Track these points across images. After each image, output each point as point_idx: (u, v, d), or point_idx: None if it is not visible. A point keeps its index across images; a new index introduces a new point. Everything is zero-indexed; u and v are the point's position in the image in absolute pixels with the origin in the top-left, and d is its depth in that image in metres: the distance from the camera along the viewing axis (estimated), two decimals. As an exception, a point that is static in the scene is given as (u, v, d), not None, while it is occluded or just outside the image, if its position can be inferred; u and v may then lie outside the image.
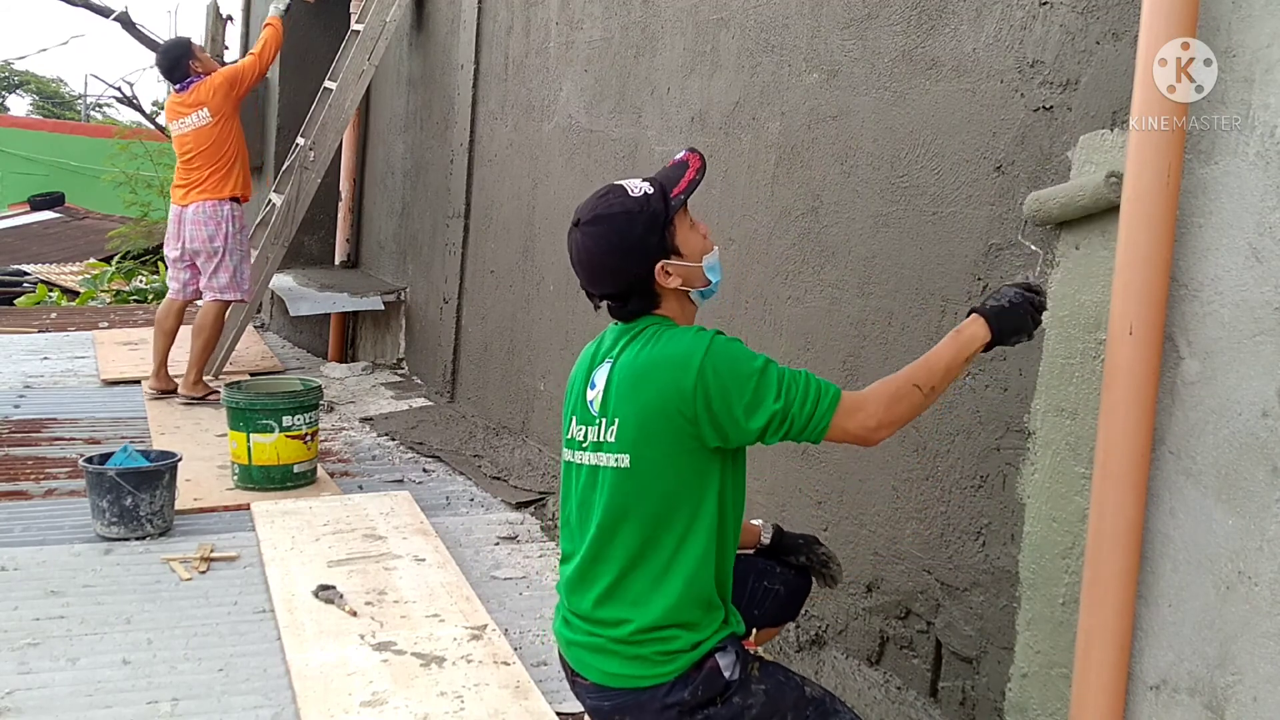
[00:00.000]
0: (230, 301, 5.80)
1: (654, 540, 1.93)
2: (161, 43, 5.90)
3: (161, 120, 17.51)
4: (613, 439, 1.95)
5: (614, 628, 1.95)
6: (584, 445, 2.01)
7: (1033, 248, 2.25)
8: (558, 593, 2.14)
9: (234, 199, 5.70)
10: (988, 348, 2.01)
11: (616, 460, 1.94)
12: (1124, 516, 1.91)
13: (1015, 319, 2.00)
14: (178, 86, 5.72)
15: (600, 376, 2.00)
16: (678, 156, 2.06)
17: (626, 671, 1.94)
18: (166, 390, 5.73)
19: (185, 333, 5.88)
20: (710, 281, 2.04)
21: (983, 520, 2.45)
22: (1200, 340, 1.86)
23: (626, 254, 1.97)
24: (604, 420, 1.97)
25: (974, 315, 2.02)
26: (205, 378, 5.88)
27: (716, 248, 2.08)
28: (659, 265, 1.98)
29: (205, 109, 5.64)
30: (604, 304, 2.06)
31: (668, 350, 1.92)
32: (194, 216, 5.63)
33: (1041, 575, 2.26)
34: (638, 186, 1.99)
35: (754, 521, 2.41)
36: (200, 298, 5.83)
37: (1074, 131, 2.21)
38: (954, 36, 2.55)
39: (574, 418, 2.06)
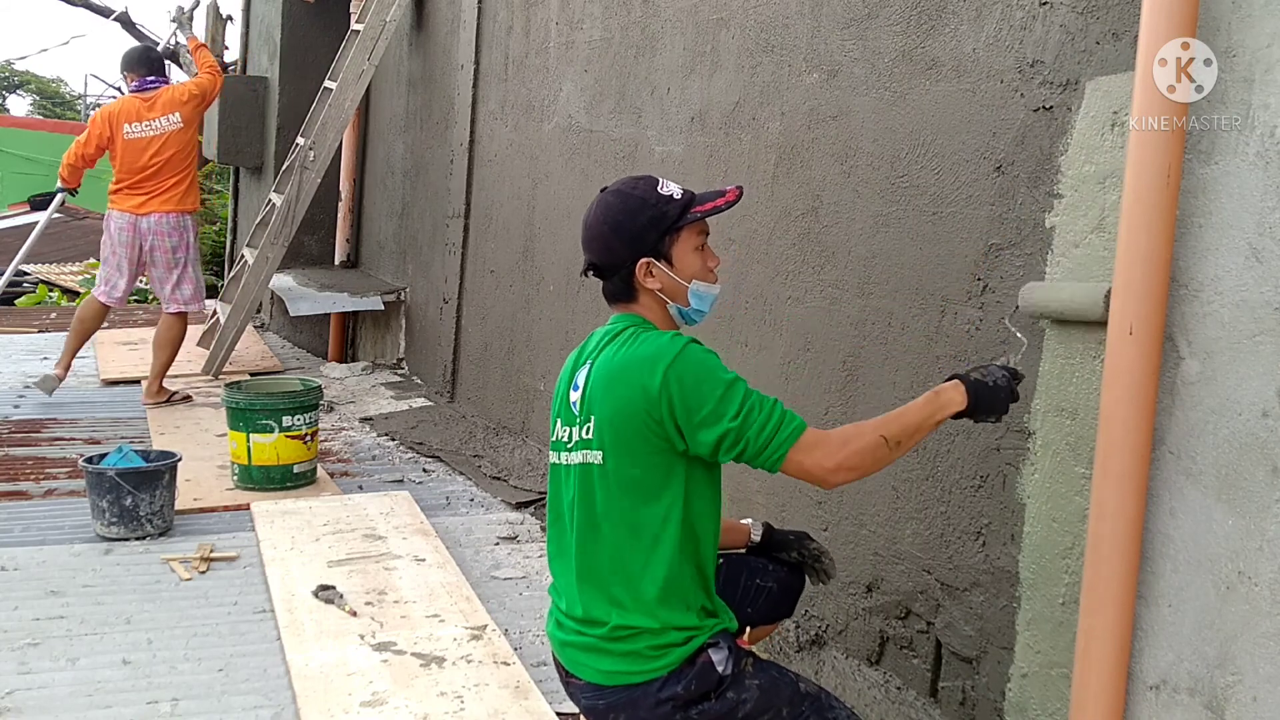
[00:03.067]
0: (190, 312, 5.69)
1: (631, 538, 1.95)
2: (140, 43, 5.85)
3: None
4: (589, 436, 1.98)
5: (603, 626, 1.96)
6: (568, 446, 2.04)
7: (1019, 336, 2.24)
8: (549, 595, 2.15)
9: (192, 215, 5.65)
10: (957, 416, 2.01)
11: (595, 457, 1.97)
12: (1124, 516, 1.91)
13: (993, 399, 2.01)
14: (139, 85, 5.60)
15: (582, 378, 2.04)
16: (727, 187, 2.10)
17: (620, 669, 1.95)
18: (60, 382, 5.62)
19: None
20: (691, 305, 2.06)
21: (983, 520, 2.45)
22: (1200, 340, 1.86)
23: (621, 235, 2.02)
24: (582, 419, 2.00)
25: (955, 381, 2.02)
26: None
27: (718, 285, 2.10)
28: (644, 261, 2.01)
29: (178, 114, 5.54)
30: (589, 272, 2.09)
31: (641, 351, 1.95)
32: (156, 227, 5.51)
33: (1041, 575, 2.26)
34: (669, 187, 2.05)
35: (744, 520, 2.43)
36: (112, 306, 5.70)
37: (1074, 131, 2.21)
38: (954, 36, 2.55)
39: (559, 420, 2.09)
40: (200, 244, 5.96)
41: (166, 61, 5.87)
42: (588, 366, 2.03)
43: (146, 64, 5.67)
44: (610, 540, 1.96)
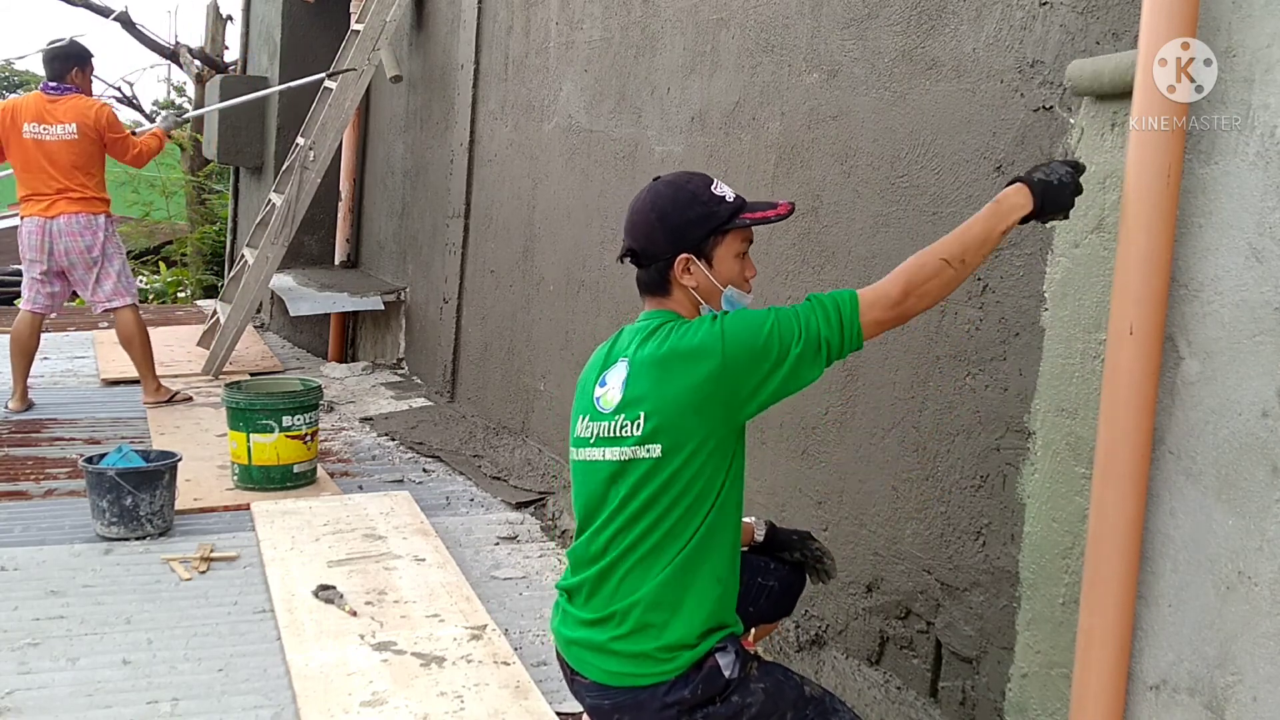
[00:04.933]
0: (128, 305, 5.52)
1: (675, 533, 1.92)
2: (61, 39, 5.55)
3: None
4: (639, 431, 1.93)
5: (618, 627, 1.95)
6: (593, 442, 2.01)
7: (1071, 120, 2.17)
8: (557, 590, 2.14)
9: (106, 214, 5.47)
10: (1024, 220, 1.93)
11: (647, 451, 1.93)
12: (1124, 516, 1.91)
13: (1060, 196, 1.92)
14: (51, 86, 5.42)
15: (614, 375, 2.00)
16: (779, 200, 2.08)
17: (627, 670, 1.94)
18: (26, 408, 5.48)
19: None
20: (723, 309, 2.04)
21: (983, 520, 2.45)
22: (1200, 340, 1.86)
23: (666, 225, 2.00)
24: (622, 415, 1.95)
25: (1018, 185, 1.93)
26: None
27: (750, 295, 2.09)
28: (684, 257, 2.00)
29: (75, 125, 5.32)
30: (626, 259, 2.07)
31: (688, 341, 1.92)
32: (66, 228, 5.32)
33: (1041, 575, 2.26)
34: (722, 188, 2.04)
35: (747, 519, 2.42)
36: (43, 313, 5.53)
37: (1074, 132, 2.21)
38: (954, 36, 2.55)
39: (584, 416, 2.05)
40: (124, 241, 5.76)
41: (92, 61, 5.58)
42: (623, 364, 1.99)
43: (60, 63, 5.46)
44: (649, 536, 1.93)
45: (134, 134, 5.80)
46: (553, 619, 2.14)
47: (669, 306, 2.05)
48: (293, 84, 6.93)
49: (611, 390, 1.99)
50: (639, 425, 1.93)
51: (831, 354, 1.91)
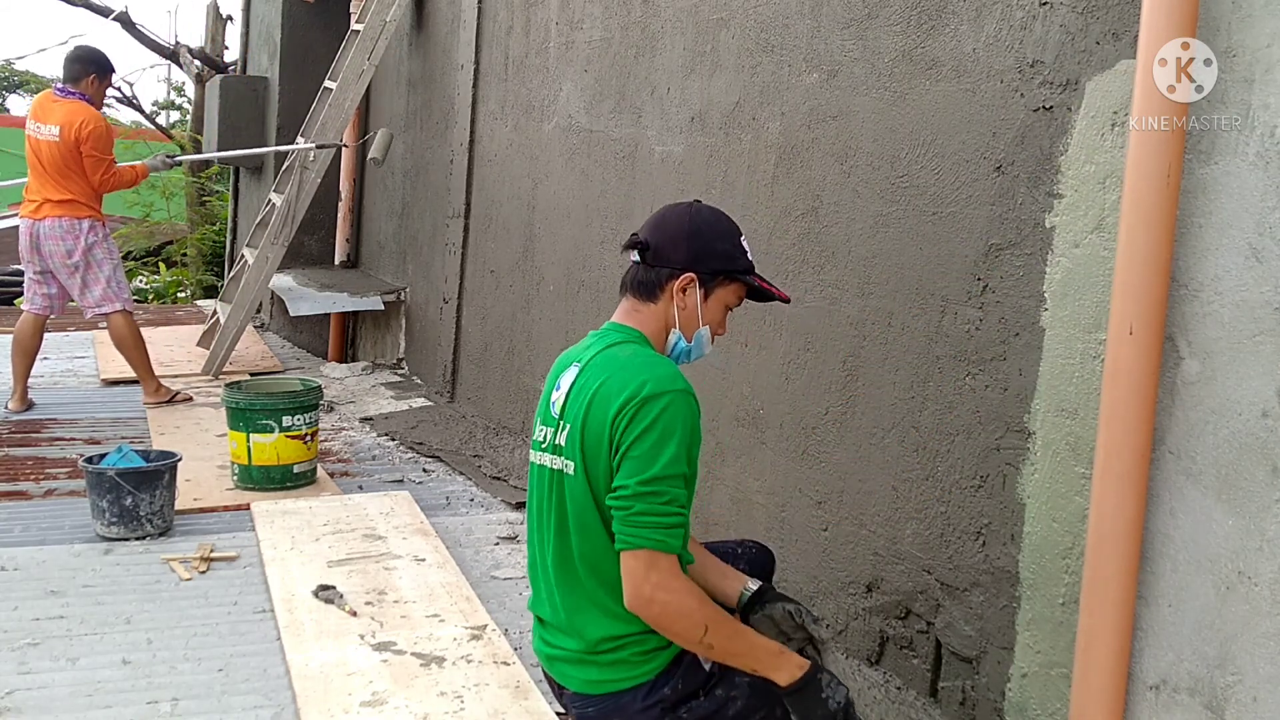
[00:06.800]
0: (119, 310, 5.46)
1: (601, 549, 1.93)
2: (88, 46, 5.51)
3: (161, 120, 17.51)
4: (563, 443, 1.96)
5: (587, 639, 1.95)
6: (545, 447, 2.02)
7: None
8: (530, 611, 2.14)
9: (93, 219, 5.37)
10: (780, 689, 1.88)
11: (564, 465, 1.95)
12: (1124, 516, 1.92)
13: (812, 705, 1.87)
14: (59, 88, 5.39)
15: (566, 379, 2.01)
16: (781, 290, 2.13)
17: (607, 677, 1.95)
18: (26, 408, 5.45)
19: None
20: (691, 343, 2.06)
21: (983, 520, 2.45)
22: (1200, 340, 1.86)
23: (694, 240, 2.03)
24: (561, 422, 1.98)
25: (808, 664, 1.90)
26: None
27: (711, 350, 2.12)
28: (691, 275, 2.01)
29: (58, 129, 5.21)
30: (634, 250, 2.07)
31: (632, 364, 1.92)
32: (50, 232, 5.28)
33: (1041, 575, 2.26)
34: (747, 246, 2.09)
35: (748, 584, 2.21)
36: (42, 314, 5.49)
37: (1074, 131, 2.21)
38: (954, 36, 2.55)
39: (539, 419, 2.07)
40: (124, 242, 5.73)
41: (110, 75, 5.56)
42: (575, 369, 2.00)
43: (75, 65, 5.43)
44: (582, 550, 1.94)
45: (150, 150, 5.78)
46: (533, 639, 2.14)
47: (642, 317, 2.05)
48: (281, 148, 7.17)
49: (562, 395, 2.00)
50: (565, 436, 1.95)
51: (615, 514, 1.86)
